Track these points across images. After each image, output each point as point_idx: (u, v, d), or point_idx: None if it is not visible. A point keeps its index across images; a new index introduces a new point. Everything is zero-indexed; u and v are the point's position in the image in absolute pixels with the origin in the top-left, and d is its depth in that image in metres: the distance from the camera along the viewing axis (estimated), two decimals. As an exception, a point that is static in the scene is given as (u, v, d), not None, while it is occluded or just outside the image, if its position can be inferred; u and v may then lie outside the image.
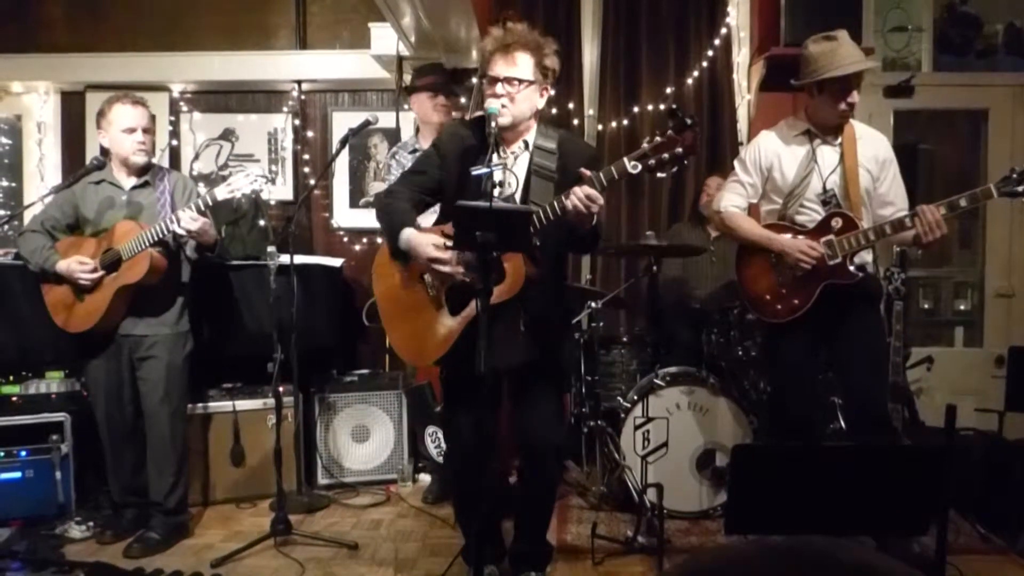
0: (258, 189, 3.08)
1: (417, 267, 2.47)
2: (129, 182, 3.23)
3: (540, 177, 2.45)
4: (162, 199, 3.20)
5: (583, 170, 2.29)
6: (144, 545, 3.12)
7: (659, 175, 2.35)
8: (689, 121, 2.21)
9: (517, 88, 2.41)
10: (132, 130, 3.14)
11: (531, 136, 2.52)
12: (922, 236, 2.73)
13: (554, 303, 2.57)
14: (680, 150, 2.22)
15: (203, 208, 3.03)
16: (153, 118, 3.26)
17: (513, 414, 2.64)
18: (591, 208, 2.24)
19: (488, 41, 2.46)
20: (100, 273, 3.10)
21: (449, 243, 2.23)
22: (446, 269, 2.34)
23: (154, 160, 3.37)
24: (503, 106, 2.39)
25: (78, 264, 3.09)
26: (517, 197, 2.46)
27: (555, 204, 2.30)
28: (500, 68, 2.40)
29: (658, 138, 2.24)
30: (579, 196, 2.23)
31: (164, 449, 3.22)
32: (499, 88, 2.40)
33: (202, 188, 3.69)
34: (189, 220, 2.97)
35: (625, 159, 2.26)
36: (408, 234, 2.40)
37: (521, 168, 2.50)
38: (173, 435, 3.24)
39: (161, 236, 3.02)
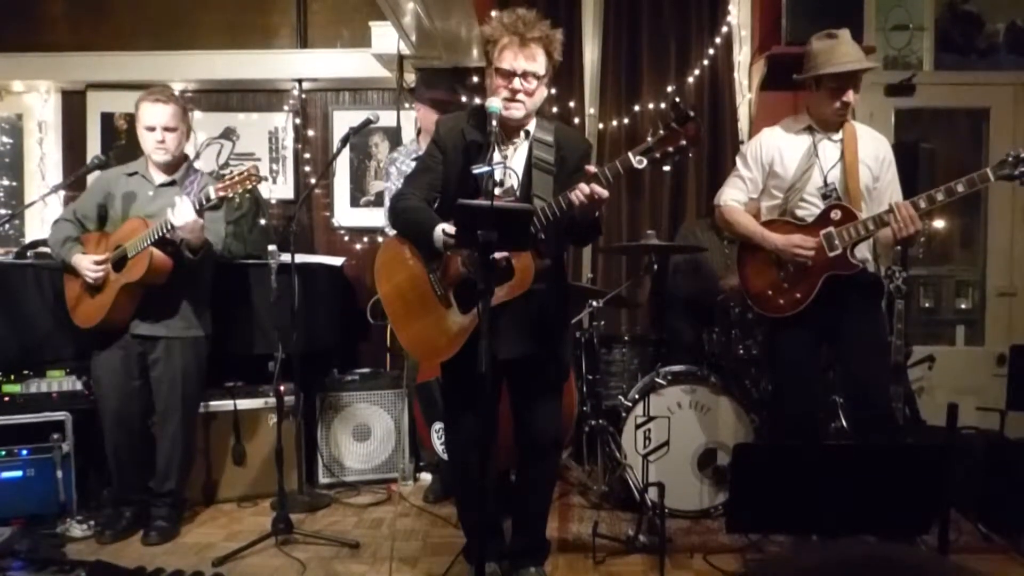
0: (251, 186, 3.01)
1: (423, 266, 2.48)
2: (159, 178, 3.23)
3: (540, 170, 2.44)
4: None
5: (588, 167, 2.30)
6: (159, 533, 3.18)
7: (664, 168, 2.36)
8: (691, 113, 2.24)
9: (535, 84, 2.40)
10: (151, 128, 3.15)
11: (531, 127, 2.51)
12: (896, 232, 2.77)
13: (558, 297, 2.59)
14: (684, 142, 2.24)
15: (204, 203, 2.96)
16: (187, 114, 3.26)
17: (513, 409, 2.63)
18: (597, 203, 2.25)
19: (496, 29, 2.39)
20: (105, 269, 3.10)
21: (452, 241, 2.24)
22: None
23: (196, 164, 3.35)
24: (519, 100, 2.37)
25: (87, 260, 3.10)
26: (518, 190, 2.43)
27: (560, 200, 2.30)
28: (521, 63, 2.36)
29: (662, 131, 2.25)
30: (585, 192, 2.24)
31: (173, 450, 3.26)
32: (517, 83, 2.37)
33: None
34: (183, 210, 2.89)
35: (630, 154, 2.27)
36: (442, 231, 2.36)
37: (520, 159, 2.48)
38: (185, 437, 3.29)
39: (162, 235, 2.99)
